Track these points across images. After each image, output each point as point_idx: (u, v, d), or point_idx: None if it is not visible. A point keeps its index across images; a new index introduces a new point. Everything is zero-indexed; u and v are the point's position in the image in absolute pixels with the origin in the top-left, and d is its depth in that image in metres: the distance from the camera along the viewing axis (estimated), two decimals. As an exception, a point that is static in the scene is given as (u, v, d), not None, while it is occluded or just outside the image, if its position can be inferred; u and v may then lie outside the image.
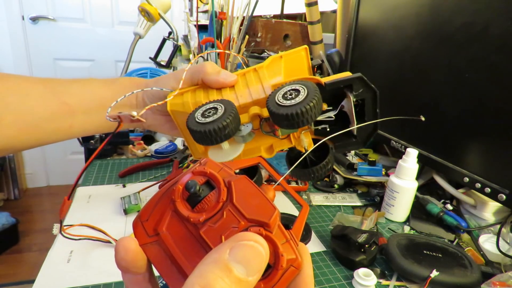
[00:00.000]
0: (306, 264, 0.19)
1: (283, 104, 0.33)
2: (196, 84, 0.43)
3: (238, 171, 0.42)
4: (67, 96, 0.41)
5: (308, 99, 0.33)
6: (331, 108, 0.40)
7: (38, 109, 0.39)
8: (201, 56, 0.83)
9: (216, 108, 0.36)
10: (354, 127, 0.40)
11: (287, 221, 0.54)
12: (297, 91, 0.34)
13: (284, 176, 0.26)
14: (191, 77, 0.42)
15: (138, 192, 0.61)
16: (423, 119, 0.42)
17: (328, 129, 0.41)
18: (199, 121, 0.35)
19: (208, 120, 0.34)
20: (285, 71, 0.42)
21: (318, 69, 0.86)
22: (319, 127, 0.41)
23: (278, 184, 0.26)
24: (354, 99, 0.39)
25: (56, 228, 0.52)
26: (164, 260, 0.18)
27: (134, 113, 0.29)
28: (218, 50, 0.81)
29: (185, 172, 0.20)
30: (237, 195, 0.18)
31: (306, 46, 0.43)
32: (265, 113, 0.39)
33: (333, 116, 0.40)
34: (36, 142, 0.40)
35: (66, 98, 0.40)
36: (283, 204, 0.64)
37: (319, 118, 0.40)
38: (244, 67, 0.45)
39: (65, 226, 0.51)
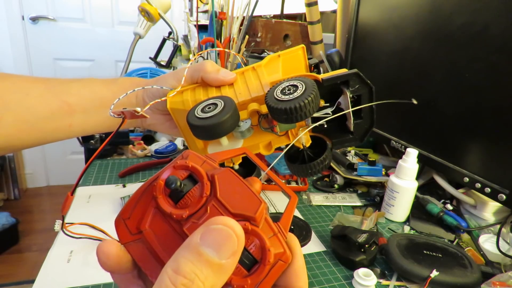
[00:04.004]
0: (297, 255, 0.19)
1: (281, 99, 0.34)
2: (195, 83, 0.43)
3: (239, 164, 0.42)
4: (67, 95, 0.41)
5: (306, 93, 0.33)
6: (328, 104, 0.40)
7: (38, 108, 0.39)
8: (201, 56, 0.83)
9: (215, 104, 0.36)
10: (352, 120, 0.40)
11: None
12: (295, 86, 0.35)
13: (271, 166, 0.26)
14: (191, 75, 0.42)
15: (138, 192, 0.61)
16: (415, 102, 0.42)
17: (325, 126, 0.41)
18: (199, 116, 0.35)
19: (207, 115, 0.34)
20: (283, 70, 0.42)
21: (315, 68, 0.86)
22: (317, 124, 0.41)
23: (269, 179, 0.25)
24: (351, 95, 0.39)
25: (58, 224, 0.52)
26: (148, 258, 0.18)
27: (138, 109, 0.29)
28: (217, 48, 0.81)
29: (166, 167, 0.20)
30: (221, 189, 0.18)
31: (303, 45, 0.43)
32: (264, 109, 0.39)
33: (330, 113, 0.40)
34: (35, 141, 0.40)
35: (66, 97, 0.40)
36: (283, 203, 0.64)
37: (317, 114, 0.40)
38: (244, 67, 0.46)
39: (66, 224, 0.51)
